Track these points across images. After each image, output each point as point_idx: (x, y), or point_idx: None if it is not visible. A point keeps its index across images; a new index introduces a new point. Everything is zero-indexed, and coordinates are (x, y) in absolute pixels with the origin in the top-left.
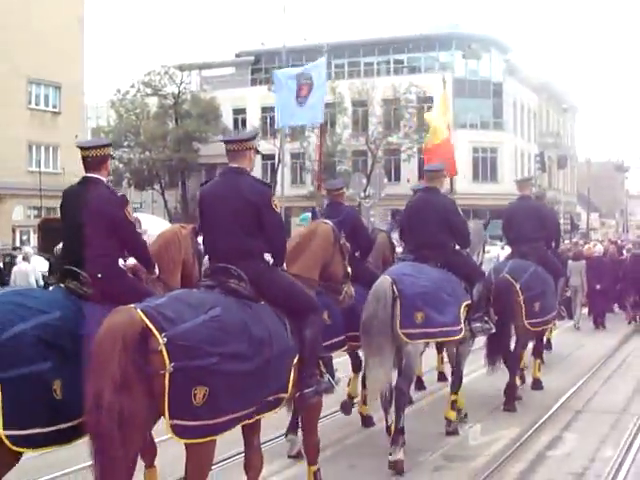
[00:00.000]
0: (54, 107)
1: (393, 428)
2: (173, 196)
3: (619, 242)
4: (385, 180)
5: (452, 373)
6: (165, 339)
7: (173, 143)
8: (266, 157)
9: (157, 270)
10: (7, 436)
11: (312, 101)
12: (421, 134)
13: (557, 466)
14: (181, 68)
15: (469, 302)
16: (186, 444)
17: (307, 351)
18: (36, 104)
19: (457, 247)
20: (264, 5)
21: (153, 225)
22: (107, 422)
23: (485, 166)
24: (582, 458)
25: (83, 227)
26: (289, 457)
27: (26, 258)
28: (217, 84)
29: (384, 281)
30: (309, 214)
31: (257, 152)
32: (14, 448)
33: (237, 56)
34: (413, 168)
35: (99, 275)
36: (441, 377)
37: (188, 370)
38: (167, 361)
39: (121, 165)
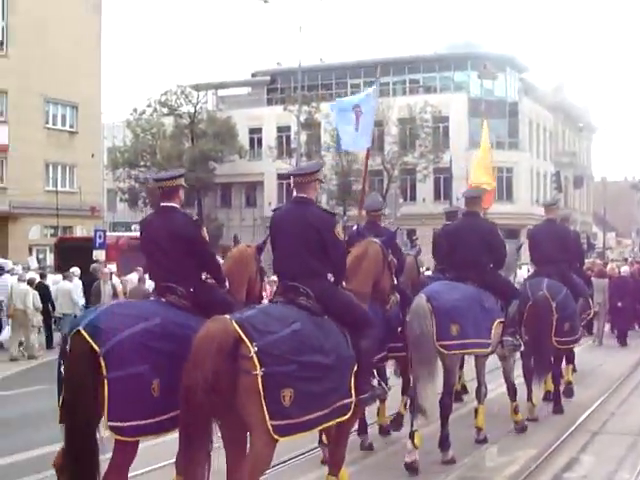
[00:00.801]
0: (71, 127)
1: (440, 435)
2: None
3: None
4: (401, 200)
5: (477, 387)
6: (256, 348)
7: (189, 162)
8: (282, 177)
9: (227, 285)
10: (111, 427)
11: (363, 126)
12: (437, 154)
13: None
14: (197, 88)
15: (503, 319)
16: (257, 442)
17: (363, 360)
18: (53, 124)
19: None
20: (280, 25)
21: None
22: (197, 415)
23: (501, 186)
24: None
25: (167, 250)
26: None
27: (68, 277)
28: (233, 104)
29: (420, 299)
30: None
31: (321, 182)
32: (116, 437)
33: (253, 76)
34: (429, 188)
35: (191, 289)
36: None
37: (275, 375)
38: (258, 366)
39: (137, 185)
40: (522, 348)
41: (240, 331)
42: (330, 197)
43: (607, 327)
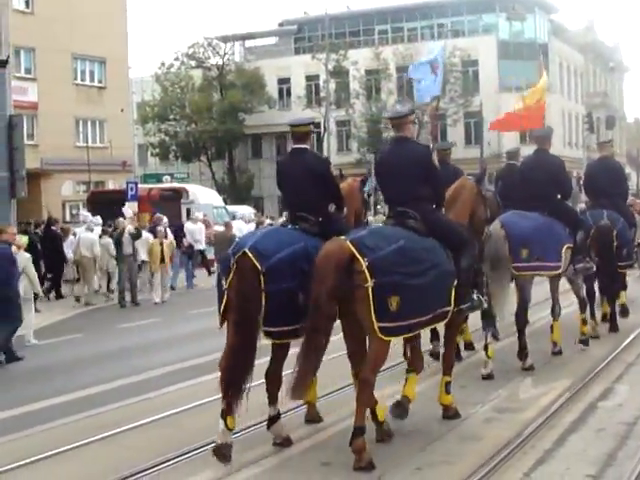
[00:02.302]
0: (99, 82)
1: (518, 346)
2: (220, 167)
3: None
4: (431, 145)
5: (552, 305)
6: (367, 262)
7: (218, 115)
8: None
9: (345, 211)
10: (264, 331)
11: (439, 75)
12: (467, 98)
13: (608, 416)
14: (224, 39)
15: (571, 245)
16: (373, 339)
17: (463, 275)
18: (82, 80)
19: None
20: None
21: (201, 196)
22: (322, 318)
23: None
24: (634, 409)
25: (303, 184)
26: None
27: (90, 228)
28: (261, 54)
29: (495, 226)
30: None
31: (415, 123)
32: (269, 339)
33: (280, 25)
34: (459, 132)
35: (320, 219)
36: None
37: (383, 285)
38: (369, 278)
39: (167, 138)
40: (594, 269)
41: (353, 249)
42: (361, 144)
43: None
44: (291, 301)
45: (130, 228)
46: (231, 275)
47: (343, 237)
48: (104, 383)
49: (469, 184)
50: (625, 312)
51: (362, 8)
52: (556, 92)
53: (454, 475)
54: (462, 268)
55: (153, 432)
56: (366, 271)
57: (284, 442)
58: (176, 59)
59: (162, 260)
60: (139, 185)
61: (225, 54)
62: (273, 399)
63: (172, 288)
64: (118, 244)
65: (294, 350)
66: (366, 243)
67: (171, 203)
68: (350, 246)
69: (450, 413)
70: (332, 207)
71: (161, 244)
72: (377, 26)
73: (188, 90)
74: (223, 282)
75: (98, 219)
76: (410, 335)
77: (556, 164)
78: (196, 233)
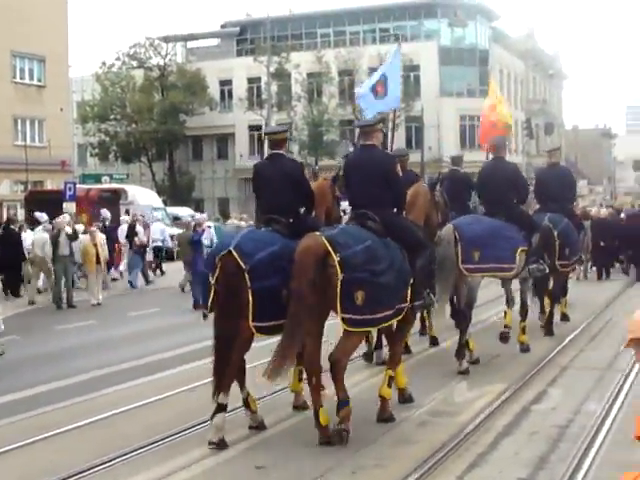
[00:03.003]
0: (39, 80)
1: (458, 344)
2: (161, 168)
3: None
4: (351, 148)
5: (522, 305)
6: (339, 258)
7: (159, 115)
8: (253, 128)
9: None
10: (254, 326)
11: (391, 90)
12: (408, 102)
13: (541, 419)
14: (166, 40)
15: (526, 248)
16: (346, 331)
17: (417, 275)
18: (20, 78)
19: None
20: None
21: (140, 197)
22: (303, 307)
23: (472, 133)
24: (567, 412)
25: (279, 187)
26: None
27: (46, 229)
28: (202, 55)
29: (448, 228)
30: None
31: (382, 132)
32: (260, 334)
33: (222, 27)
34: (400, 136)
35: (291, 220)
36: (433, 341)
37: (352, 279)
38: (339, 272)
39: (107, 138)
40: (547, 271)
41: (327, 244)
42: (302, 147)
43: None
44: (276, 297)
45: (67, 229)
46: (217, 272)
47: (318, 233)
48: (41, 385)
49: (423, 190)
50: (565, 317)
51: (305, 11)
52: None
53: (387, 478)
54: (417, 268)
55: (91, 433)
56: (337, 266)
57: (259, 426)
58: (117, 59)
59: (97, 261)
60: (78, 185)
61: (167, 55)
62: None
63: (133, 286)
64: (55, 245)
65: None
66: (338, 240)
67: (110, 204)
68: (325, 242)
69: (385, 415)
70: (302, 209)
71: (95, 245)
72: (319, 29)
73: (129, 90)
74: (210, 279)
75: (44, 216)
76: (372, 329)
77: (513, 170)
78: (157, 232)
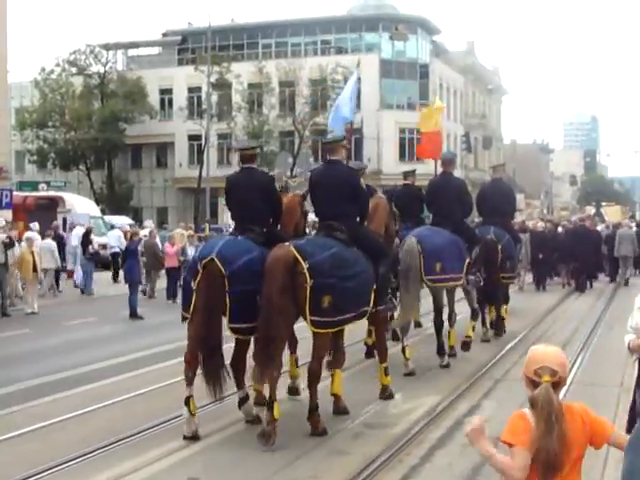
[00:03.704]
0: None
1: (437, 344)
2: (99, 176)
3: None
4: (312, 159)
5: (449, 316)
6: (307, 265)
7: (99, 123)
8: (193, 137)
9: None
10: (231, 328)
11: (341, 104)
12: None
13: None
14: (107, 47)
15: (469, 260)
16: (314, 332)
17: (380, 280)
18: None
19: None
20: None
21: (78, 205)
22: (274, 312)
23: (411, 147)
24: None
25: (251, 199)
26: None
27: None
28: (143, 64)
29: (411, 241)
30: None
31: (345, 147)
32: (236, 335)
33: (164, 35)
34: None
35: (264, 229)
36: (369, 350)
37: (320, 285)
38: (308, 279)
39: (46, 145)
40: (482, 284)
41: (296, 253)
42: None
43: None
44: (252, 301)
45: (2, 237)
46: (199, 277)
47: (287, 243)
48: None
49: (382, 202)
50: (501, 325)
51: (247, 21)
52: None
53: None
54: (380, 274)
55: (20, 447)
56: (306, 272)
57: (255, 420)
58: (57, 65)
59: (34, 269)
60: (14, 193)
61: (107, 62)
62: (239, 384)
63: (88, 293)
64: None
65: None
66: (306, 249)
67: (47, 212)
68: (294, 251)
69: (387, 393)
70: (270, 220)
71: (32, 253)
72: (261, 40)
73: (68, 97)
74: (192, 284)
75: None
76: (337, 329)
77: (460, 185)
78: (113, 239)
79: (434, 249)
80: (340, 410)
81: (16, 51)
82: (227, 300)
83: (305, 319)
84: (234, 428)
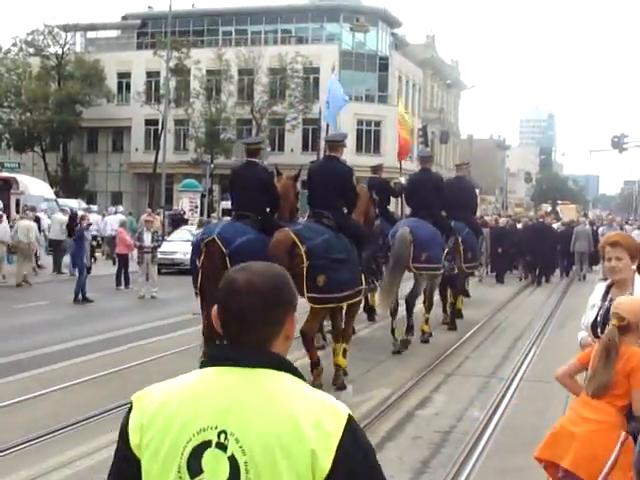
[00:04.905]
0: None
1: (405, 326)
2: (54, 159)
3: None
4: (269, 149)
5: (424, 300)
6: (304, 248)
7: (55, 105)
8: (150, 122)
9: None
10: None
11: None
12: (306, 104)
13: (425, 424)
14: (65, 29)
15: (447, 250)
16: (311, 307)
17: (363, 264)
18: None
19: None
20: None
21: (32, 187)
22: None
23: (369, 139)
24: (450, 418)
25: (250, 190)
26: None
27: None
28: (102, 46)
29: (404, 230)
30: (193, 181)
31: (344, 146)
32: None
33: (123, 19)
34: (297, 138)
35: (259, 217)
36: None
37: (315, 266)
38: (305, 260)
39: (0, 126)
40: (455, 271)
41: (295, 237)
42: (198, 144)
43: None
44: None
45: None
46: (202, 257)
47: (287, 229)
48: None
49: (363, 191)
50: (455, 319)
51: (207, 7)
52: (394, 104)
53: None
54: (363, 258)
55: None
56: (304, 255)
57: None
58: (14, 45)
59: None
60: None
61: (65, 44)
62: None
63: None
64: None
65: None
66: (303, 234)
67: (0, 193)
68: (293, 235)
69: (340, 379)
70: (268, 210)
71: None
72: (221, 27)
73: (25, 78)
74: (197, 262)
75: None
76: (333, 306)
77: (437, 180)
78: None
79: (423, 239)
80: (338, 384)
81: None
82: None
83: (303, 296)
84: None
